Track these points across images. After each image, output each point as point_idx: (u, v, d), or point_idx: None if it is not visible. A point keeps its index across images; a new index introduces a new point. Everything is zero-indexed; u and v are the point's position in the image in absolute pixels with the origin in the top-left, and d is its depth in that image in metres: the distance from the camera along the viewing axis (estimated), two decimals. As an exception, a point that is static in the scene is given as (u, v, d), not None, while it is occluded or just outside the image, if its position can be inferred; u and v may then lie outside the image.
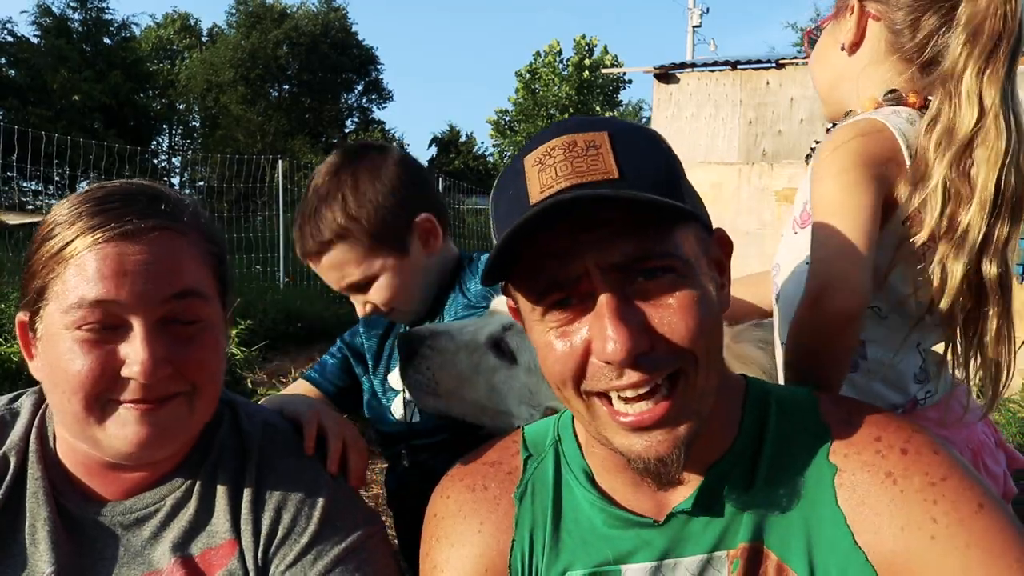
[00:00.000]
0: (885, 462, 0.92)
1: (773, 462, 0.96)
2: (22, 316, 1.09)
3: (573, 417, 1.07)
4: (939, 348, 1.35)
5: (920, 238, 1.20)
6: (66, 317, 1.01)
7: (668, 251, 0.85)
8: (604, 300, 0.85)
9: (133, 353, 1.01)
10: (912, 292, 1.25)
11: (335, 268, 1.63)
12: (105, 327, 1.02)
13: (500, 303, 1.55)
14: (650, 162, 0.88)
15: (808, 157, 1.46)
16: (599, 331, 0.85)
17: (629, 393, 0.87)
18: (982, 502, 0.89)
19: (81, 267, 1.01)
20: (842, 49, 1.41)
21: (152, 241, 1.04)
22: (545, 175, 0.86)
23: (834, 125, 1.39)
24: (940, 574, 0.86)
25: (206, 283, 1.09)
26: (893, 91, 1.33)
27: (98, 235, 1.02)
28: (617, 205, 0.82)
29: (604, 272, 0.85)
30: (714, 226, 0.98)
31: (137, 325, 1.02)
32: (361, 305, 1.68)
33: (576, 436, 1.07)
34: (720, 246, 0.98)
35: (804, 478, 0.94)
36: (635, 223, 0.83)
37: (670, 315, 0.86)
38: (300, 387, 1.87)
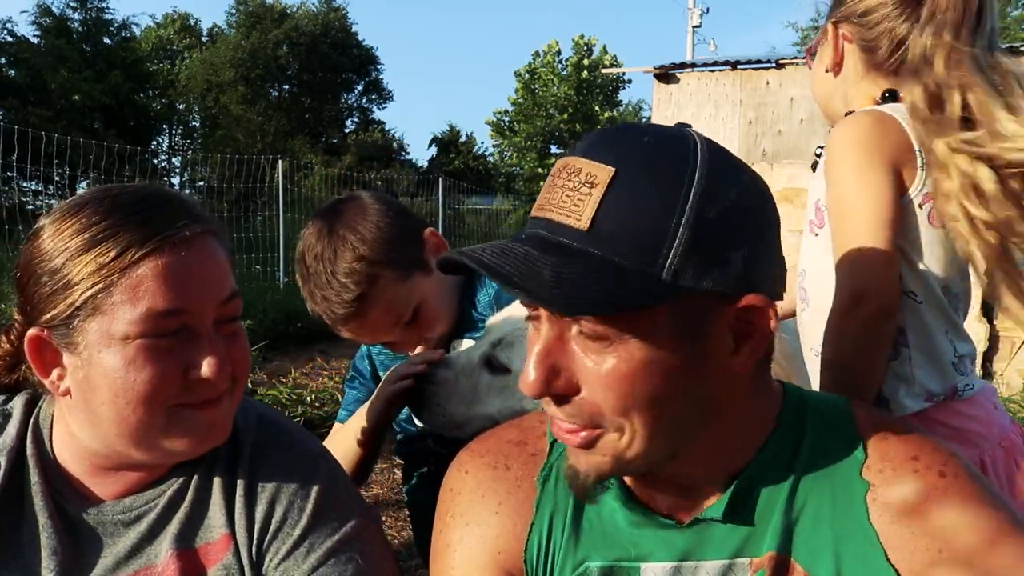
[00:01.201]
0: (923, 482, 0.91)
1: (806, 472, 0.94)
2: (36, 332, 1.05)
3: None
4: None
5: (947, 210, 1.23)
6: (129, 328, 1.00)
7: (598, 323, 0.81)
8: (539, 335, 0.86)
9: (203, 357, 1.04)
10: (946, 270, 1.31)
11: (385, 316, 1.57)
12: (170, 334, 1.03)
13: (495, 319, 1.57)
14: (645, 217, 0.80)
15: (814, 165, 1.48)
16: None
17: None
18: (1011, 526, 0.90)
19: (141, 277, 1.00)
20: (827, 71, 1.49)
21: (203, 246, 1.06)
22: (545, 193, 0.87)
23: (835, 126, 1.41)
24: None
25: (235, 282, 1.13)
26: (890, 91, 1.37)
27: (154, 244, 1.01)
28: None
29: (546, 311, 0.85)
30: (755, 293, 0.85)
31: (202, 330, 1.05)
32: (415, 345, 1.66)
33: None
34: (754, 317, 0.86)
35: (836, 491, 0.92)
36: None
37: (593, 378, 0.83)
38: (338, 434, 1.82)
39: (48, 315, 1.04)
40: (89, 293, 1.01)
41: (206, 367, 1.04)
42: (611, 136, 0.86)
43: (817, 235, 1.40)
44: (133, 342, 1.01)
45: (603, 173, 0.82)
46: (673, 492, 0.97)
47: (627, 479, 0.99)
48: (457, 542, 1.04)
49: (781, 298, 0.91)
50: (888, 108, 1.33)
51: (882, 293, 1.21)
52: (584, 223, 0.81)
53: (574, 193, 0.82)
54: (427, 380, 1.50)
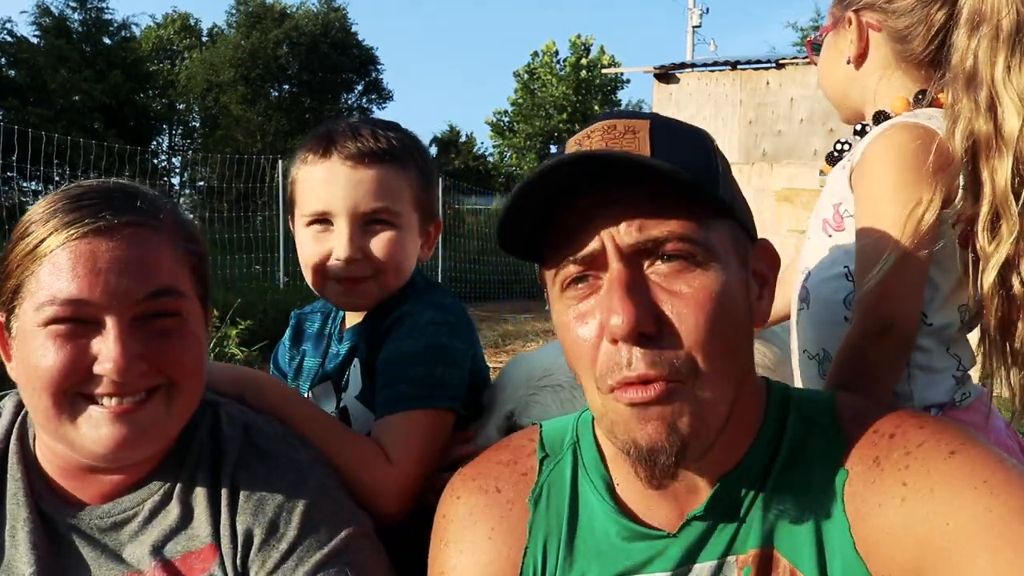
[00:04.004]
0: (875, 449, 0.91)
1: (786, 466, 0.94)
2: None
3: (593, 419, 1.05)
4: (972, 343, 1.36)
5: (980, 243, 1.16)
6: (38, 315, 1.00)
7: (690, 236, 0.85)
8: (614, 274, 0.86)
9: (106, 350, 1.00)
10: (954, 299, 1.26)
11: (380, 186, 1.38)
12: (78, 323, 1.01)
13: (493, 393, 1.50)
14: (686, 153, 0.88)
15: (830, 156, 1.43)
16: (606, 305, 0.85)
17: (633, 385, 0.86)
18: (955, 449, 0.87)
19: (55, 264, 1.00)
20: (848, 63, 1.38)
21: (127, 238, 1.03)
22: (579, 141, 0.91)
23: (863, 127, 1.36)
24: (911, 532, 0.85)
25: (183, 281, 1.08)
26: (923, 91, 1.30)
27: (72, 231, 1.01)
28: (640, 187, 0.85)
29: (619, 249, 0.86)
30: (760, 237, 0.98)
31: (110, 323, 1.01)
32: (348, 245, 1.38)
33: (596, 440, 1.04)
34: (765, 258, 0.98)
35: (815, 482, 0.92)
36: (661, 207, 0.85)
37: (682, 304, 0.85)
38: None
39: (1, 300, 1.06)
40: (18, 281, 1.03)
41: (107, 361, 1.00)
42: (623, 110, 0.95)
43: (831, 236, 1.34)
44: (44, 328, 1.01)
45: (640, 124, 0.90)
46: (665, 501, 0.96)
47: (619, 492, 0.99)
48: (451, 570, 1.04)
49: None
50: (926, 117, 1.25)
51: (906, 326, 1.18)
52: (646, 152, 0.86)
53: (620, 139, 0.88)
54: None
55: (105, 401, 1.02)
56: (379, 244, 1.39)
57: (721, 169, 0.91)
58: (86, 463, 1.08)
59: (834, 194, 1.34)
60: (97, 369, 1.01)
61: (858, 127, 1.37)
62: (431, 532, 1.10)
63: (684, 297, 0.85)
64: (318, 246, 1.40)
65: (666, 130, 0.90)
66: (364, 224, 1.39)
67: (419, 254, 1.50)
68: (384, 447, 1.30)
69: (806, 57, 10.05)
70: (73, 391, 1.02)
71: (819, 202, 1.40)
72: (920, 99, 1.30)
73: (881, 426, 0.93)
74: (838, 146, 1.41)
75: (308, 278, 1.46)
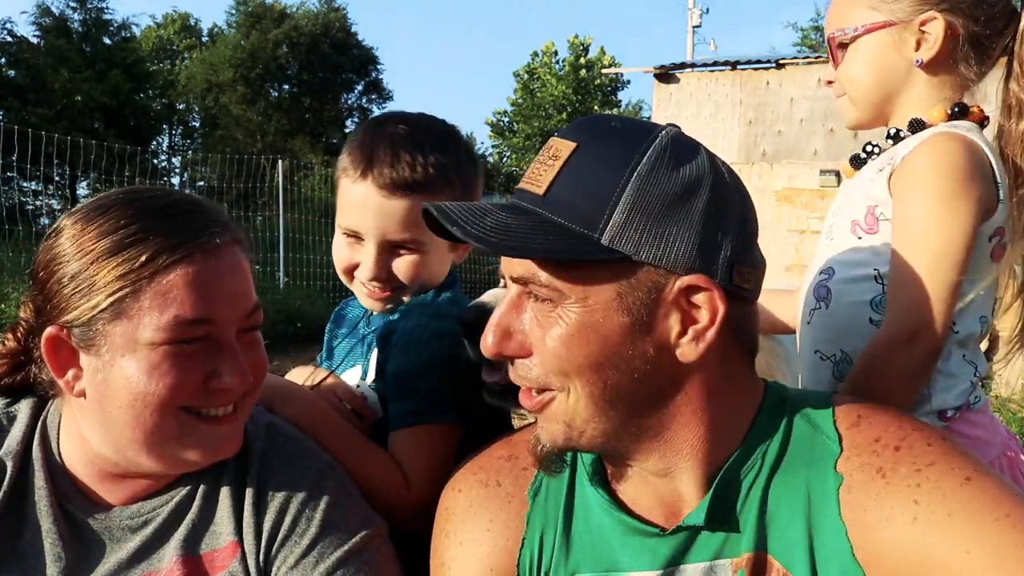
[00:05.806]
0: (879, 460, 0.91)
1: (783, 469, 0.95)
2: (55, 331, 1.05)
3: None
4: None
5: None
6: (155, 334, 1.01)
7: (546, 281, 0.90)
8: (503, 300, 0.96)
9: (225, 366, 1.05)
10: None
11: (409, 216, 1.41)
12: (196, 341, 1.04)
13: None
14: (592, 186, 0.89)
15: (856, 159, 1.42)
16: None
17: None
18: (970, 475, 0.88)
19: (172, 284, 1.01)
20: (917, 64, 1.32)
21: (231, 256, 1.08)
22: (528, 169, 0.96)
23: (896, 132, 1.34)
24: (922, 553, 0.85)
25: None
26: (960, 104, 1.31)
27: (185, 251, 1.02)
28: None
29: (507, 274, 0.95)
30: (695, 276, 0.89)
31: (228, 339, 1.06)
32: (373, 266, 1.44)
33: None
34: (704, 304, 0.89)
35: (812, 486, 0.93)
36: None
37: (536, 339, 0.92)
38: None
39: (69, 315, 1.04)
40: (115, 297, 1.01)
41: (228, 377, 1.05)
42: (588, 119, 0.96)
43: (860, 238, 1.33)
44: (159, 348, 1.02)
45: (566, 148, 0.91)
46: (656, 497, 0.98)
47: (615, 486, 1.01)
48: (451, 561, 1.06)
49: (750, 295, 0.95)
50: (966, 129, 1.25)
51: (936, 335, 1.19)
52: (541, 189, 0.91)
53: (542, 165, 0.92)
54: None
55: (212, 411, 1.07)
56: (403, 266, 1.46)
57: (626, 206, 0.87)
58: (125, 469, 1.11)
59: (869, 196, 1.33)
60: (215, 383, 1.05)
61: (891, 131, 1.36)
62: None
63: (538, 335, 0.92)
64: (349, 254, 1.50)
65: (591, 154, 0.90)
66: (391, 248, 1.46)
67: (452, 259, 1.56)
68: (400, 466, 1.35)
69: (806, 57, 10.03)
70: (183, 403, 1.05)
71: (845, 202, 1.39)
72: (957, 112, 1.30)
73: (884, 436, 0.93)
74: (867, 148, 1.40)
75: (339, 274, 1.56)
